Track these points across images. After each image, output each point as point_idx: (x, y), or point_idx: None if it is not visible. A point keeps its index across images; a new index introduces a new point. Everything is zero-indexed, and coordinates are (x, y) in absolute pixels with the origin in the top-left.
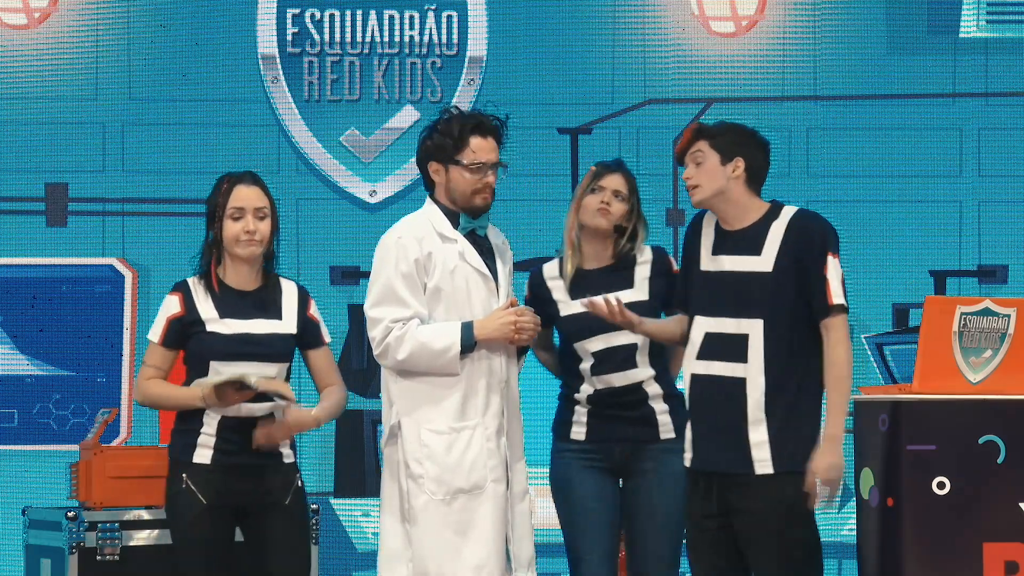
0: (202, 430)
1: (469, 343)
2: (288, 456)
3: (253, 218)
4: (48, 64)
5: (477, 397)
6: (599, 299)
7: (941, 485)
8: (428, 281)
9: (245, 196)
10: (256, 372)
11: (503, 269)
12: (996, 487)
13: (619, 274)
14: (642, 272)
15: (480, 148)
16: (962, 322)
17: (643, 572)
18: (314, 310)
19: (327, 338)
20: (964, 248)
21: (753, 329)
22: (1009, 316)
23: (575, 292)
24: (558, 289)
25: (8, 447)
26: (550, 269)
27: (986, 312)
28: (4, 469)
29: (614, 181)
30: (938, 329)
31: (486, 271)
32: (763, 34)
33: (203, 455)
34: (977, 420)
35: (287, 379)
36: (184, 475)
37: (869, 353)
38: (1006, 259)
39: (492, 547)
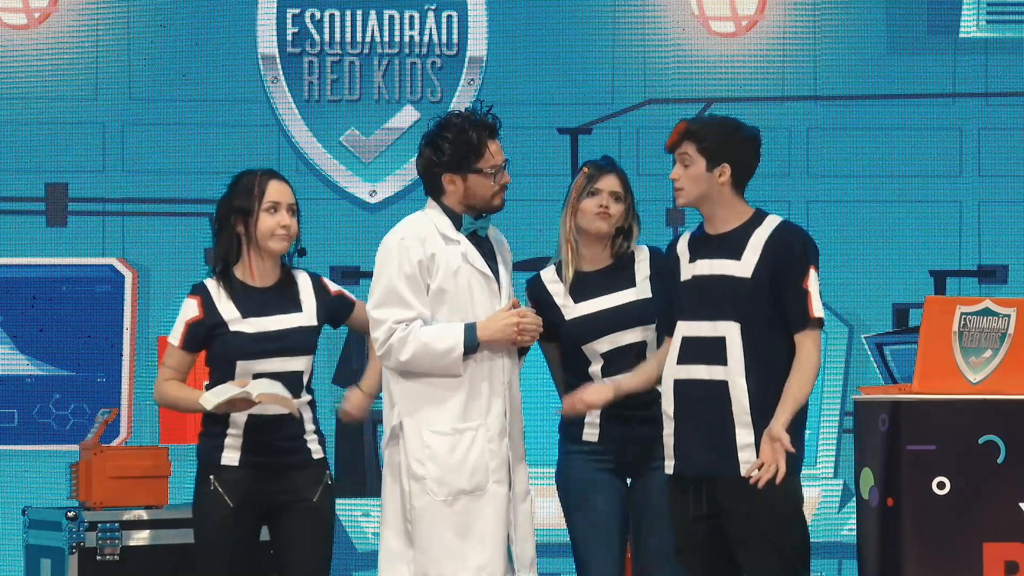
0: (228, 431)
1: (472, 344)
2: (317, 452)
3: (287, 213)
4: (48, 64)
5: (480, 398)
6: (571, 404)
7: (941, 485)
8: (431, 282)
9: (280, 191)
10: (259, 387)
11: (504, 270)
12: (996, 487)
13: (619, 274)
14: (642, 271)
15: (495, 151)
16: (962, 322)
17: (649, 568)
18: (334, 287)
19: (353, 297)
20: (964, 248)
21: (730, 332)
22: (1009, 316)
23: (577, 295)
24: (559, 293)
25: (8, 447)
26: (548, 273)
27: (986, 312)
28: (4, 469)
29: (610, 182)
30: (938, 329)
31: (488, 272)
32: (763, 34)
33: (231, 457)
34: (977, 420)
35: (311, 371)
36: (212, 477)
37: (869, 353)
38: (1006, 259)
39: (494, 548)
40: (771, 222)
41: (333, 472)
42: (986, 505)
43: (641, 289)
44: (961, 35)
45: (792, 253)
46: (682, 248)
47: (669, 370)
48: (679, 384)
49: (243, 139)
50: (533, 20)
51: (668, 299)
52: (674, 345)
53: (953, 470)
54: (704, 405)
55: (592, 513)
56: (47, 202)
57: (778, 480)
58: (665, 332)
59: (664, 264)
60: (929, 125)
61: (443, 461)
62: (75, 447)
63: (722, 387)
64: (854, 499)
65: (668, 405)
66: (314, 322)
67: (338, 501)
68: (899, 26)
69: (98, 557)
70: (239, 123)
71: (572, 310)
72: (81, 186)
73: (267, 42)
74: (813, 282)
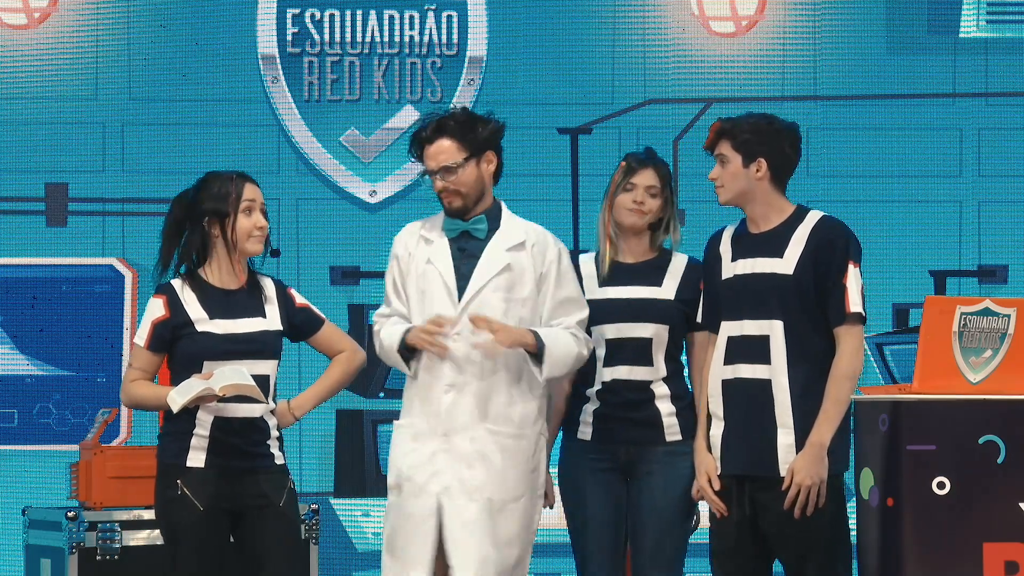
0: (195, 432)
1: (403, 347)
2: (279, 458)
3: (261, 214)
4: (48, 64)
5: (426, 397)
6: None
7: (941, 485)
8: (407, 280)
9: (254, 192)
10: (221, 379)
11: (486, 273)
12: (996, 487)
13: (652, 271)
14: (673, 275)
15: (427, 156)
16: (962, 322)
17: (643, 572)
18: (300, 299)
19: (322, 315)
20: (964, 248)
21: (774, 330)
22: (1009, 316)
23: (606, 281)
24: (589, 278)
25: (8, 447)
26: (586, 258)
27: (986, 312)
28: (4, 469)
29: (646, 177)
30: (938, 329)
31: (450, 276)
32: (763, 34)
33: (197, 458)
34: (977, 420)
35: (276, 377)
36: (179, 481)
37: (869, 353)
38: (1006, 259)
39: (405, 548)
40: (812, 217)
41: (333, 472)
42: (986, 505)
43: (665, 290)
44: (961, 35)
45: (832, 248)
46: (724, 247)
47: (716, 370)
48: (726, 384)
49: (243, 139)
50: (533, 20)
51: (710, 296)
52: (719, 346)
53: (953, 470)
54: (748, 404)
55: (583, 511)
56: (47, 202)
57: (820, 500)
58: (709, 329)
59: (701, 263)
60: (929, 125)
61: (391, 455)
62: (75, 447)
63: (765, 386)
64: (854, 499)
65: (717, 406)
66: (279, 326)
67: (338, 501)
68: (899, 26)
69: (98, 557)
70: (239, 123)
71: (592, 292)
72: (81, 186)
73: (267, 42)
74: (852, 278)
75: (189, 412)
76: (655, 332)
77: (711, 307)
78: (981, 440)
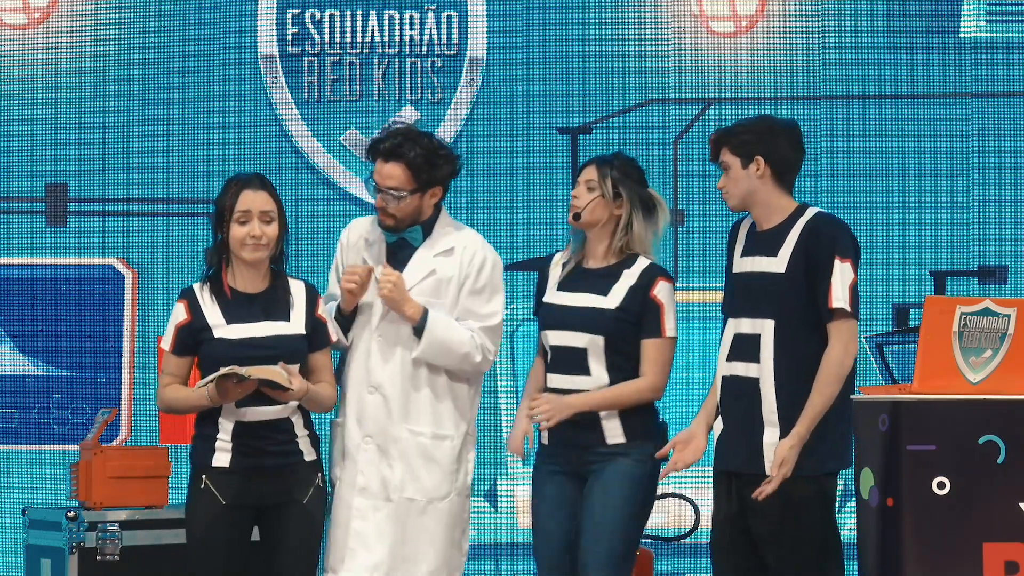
0: (218, 436)
1: (339, 313)
2: (309, 454)
3: (259, 222)
4: (48, 64)
5: (351, 398)
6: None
7: (941, 485)
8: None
9: (251, 200)
10: (255, 369)
11: (414, 276)
12: (996, 487)
13: (604, 279)
14: (625, 283)
15: (377, 169)
16: (962, 322)
17: (579, 571)
18: (322, 309)
19: (332, 337)
20: (964, 248)
21: (765, 329)
22: (1009, 316)
23: (564, 284)
24: (554, 276)
25: (8, 447)
26: (559, 257)
27: (986, 312)
28: (4, 469)
29: (585, 173)
30: (938, 329)
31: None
32: (763, 34)
33: (222, 459)
34: (977, 420)
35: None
36: (204, 476)
37: (869, 353)
38: (1006, 259)
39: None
40: (808, 215)
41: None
42: (986, 505)
43: (610, 299)
44: (961, 35)
45: (819, 244)
46: (739, 239)
47: (720, 367)
48: (725, 381)
49: (243, 139)
50: (533, 20)
51: (726, 287)
52: (724, 343)
53: (953, 470)
54: (740, 402)
55: (538, 516)
56: (47, 202)
57: (795, 493)
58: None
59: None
60: (929, 125)
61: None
62: (75, 447)
63: (754, 384)
64: (854, 499)
65: (720, 402)
66: (302, 330)
67: None
68: (899, 26)
69: (98, 557)
70: (239, 123)
71: (551, 296)
72: (81, 186)
73: (267, 42)
74: (839, 273)
75: (212, 416)
76: (589, 342)
77: (726, 298)
78: (981, 440)
